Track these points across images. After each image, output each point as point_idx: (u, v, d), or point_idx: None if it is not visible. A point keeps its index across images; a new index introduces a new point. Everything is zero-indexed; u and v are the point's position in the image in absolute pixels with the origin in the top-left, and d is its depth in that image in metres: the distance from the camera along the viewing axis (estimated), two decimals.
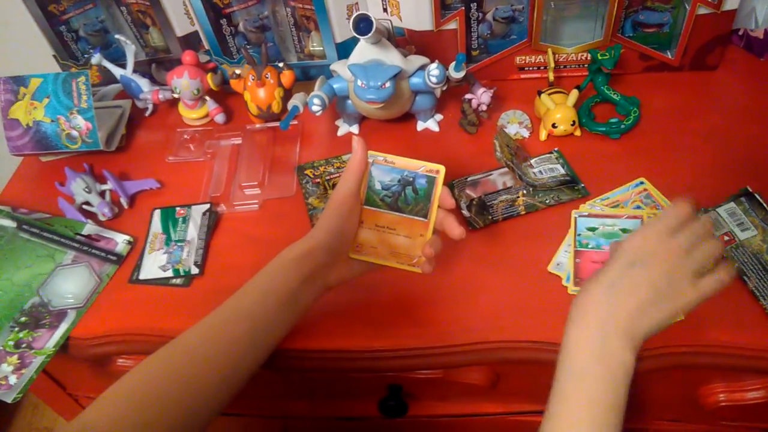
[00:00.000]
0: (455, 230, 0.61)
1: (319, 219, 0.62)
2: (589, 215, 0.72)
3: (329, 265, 0.62)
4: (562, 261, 0.70)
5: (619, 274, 0.54)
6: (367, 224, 0.63)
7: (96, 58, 0.94)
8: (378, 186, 0.63)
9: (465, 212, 0.76)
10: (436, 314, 0.68)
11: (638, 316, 0.53)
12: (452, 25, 0.88)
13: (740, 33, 0.93)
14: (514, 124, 0.87)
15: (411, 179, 0.62)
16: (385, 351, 0.66)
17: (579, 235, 0.71)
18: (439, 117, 0.90)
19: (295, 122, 0.91)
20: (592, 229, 0.71)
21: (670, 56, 0.90)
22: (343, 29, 0.91)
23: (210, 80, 0.91)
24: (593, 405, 0.51)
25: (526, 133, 0.86)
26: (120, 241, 0.78)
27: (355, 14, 0.74)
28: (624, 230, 0.70)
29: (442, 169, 0.61)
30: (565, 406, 0.52)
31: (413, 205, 0.62)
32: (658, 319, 0.53)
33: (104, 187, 0.83)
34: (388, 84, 0.77)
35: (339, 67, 0.84)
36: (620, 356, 0.52)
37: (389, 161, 0.62)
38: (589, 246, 0.70)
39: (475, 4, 0.86)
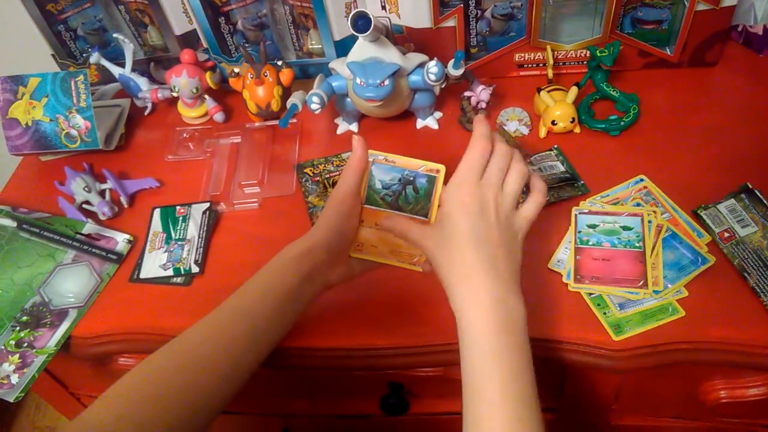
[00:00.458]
0: None
1: (319, 218, 0.62)
2: (590, 212, 0.72)
3: (329, 263, 0.62)
4: (563, 258, 0.70)
5: (472, 228, 0.56)
6: (367, 223, 0.63)
7: (94, 57, 0.94)
8: (378, 185, 0.63)
9: None
10: (436, 312, 0.68)
11: (508, 260, 0.56)
12: (451, 23, 0.88)
13: (739, 29, 0.93)
14: (513, 121, 0.87)
15: (411, 178, 0.62)
16: (385, 349, 0.67)
17: (579, 232, 0.71)
18: (438, 115, 0.90)
19: (294, 120, 0.90)
20: (593, 226, 0.71)
21: (669, 53, 0.90)
22: (341, 27, 0.91)
23: (209, 79, 0.91)
24: (517, 376, 0.51)
25: (525, 131, 0.86)
26: (120, 240, 0.78)
27: (353, 12, 0.74)
28: (625, 227, 0.70)
29: (442, 168, 0.61)
30: (489, 385, 0.51)
31: (414, 204, 0.62)
32: (517, 258, 0.57)
33: (104, 186, 0.83)
34: (386, 82, 0.77)
35: (338, 65, 0.84)
36: (517, 312, 0.54)
37: (390, 160, 0.62)
38: (590, 243, 0.70)
39: (473, 1, 0.86)
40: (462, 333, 0.54)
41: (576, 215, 0.72)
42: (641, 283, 0.66)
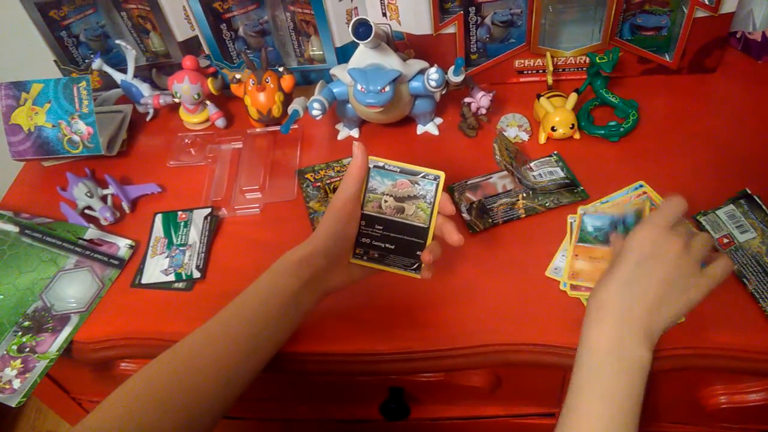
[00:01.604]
0: (454, 236, 0.61)
1: (319, 224, 0.63)
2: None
3: (329, 269, 0.62)
4: (560, 265, 0.70)
5: (631, 270, 0.55)
6: (582, 257, 0.64)
7: (97, 63, 0.95)
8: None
9: (465, 215, 0.77)
10: (436, 317, 0.68)
11: (654, 311, 0.54)
12: (451, 29, 0.88)
13: (738, 36, 0.94)
14: (513, 127, 0.87)
15: None
16: (386, 354, 0.67)
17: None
18: (438, 121, 0.90)
19: (296, 126, 0.91)
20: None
21: (668, 59, 0.90)
22: (342, 34, 0.92)
23: (210, 85, 0.91)
24: (610, 400, 0.52)
25: (525, 137, 0.86)
26: (122, 245, 0.79)
27: (354, 19, 0.75)
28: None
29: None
30: (582, 400, 0.53)
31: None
32: (672, 313, 0.55)
33: (106, 191, 0.84)
34: (387, 88, 0.77)
35: (339, 71, 0.84)
36: (637, 353, 0.53)
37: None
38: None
39: (473, 8, 0.87)
40: (577, 359, 0.55)
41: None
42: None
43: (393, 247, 0.63)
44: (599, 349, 0.54)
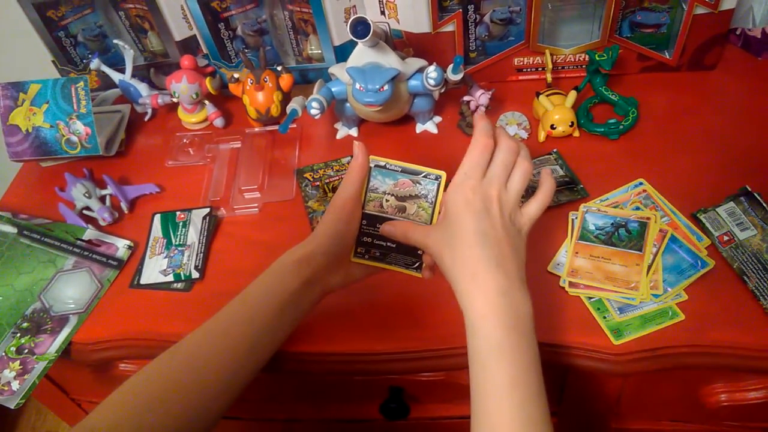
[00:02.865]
0: None
1: (320, 223, 0.62)
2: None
3: (329, 269, 0.62)
4: (562, 261, 0.70)
5: (476, 226, 0.55)
6: (582, 254, 0.64)
7: (95, 63, 0.95)
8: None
9: None
10: (437, 316, 0.68)
11: (513, 257, 0.55)
12: (450, 28, 0.88)
13: (738, 32, 0.94)
14: (512, 125, 0.87)
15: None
16: (386, 353, 0.67)
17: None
18: (437, 119, 0.90)
19: (294, 126, 0.91)
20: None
21: (667, 56, 0.90)
22: (341, 32, 0.91)
23: (209, 84, 0.91)
24: (524, 372, 0.51)
25: (524, 135, 0.86)
26: (120, 246, 0.78)
27: (352, 17, 0.74)
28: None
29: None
30: (486, 371, 0.51)
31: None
32: (522, 255, 0.57)
33: (104, 192, 0.84)
34: (386, 87, 0.77)
35: (337, 70, 0.84)
36: (525, 308, 0.53)
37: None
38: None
39: (472, 6, 0.86)
40: (470, 330, 0.53)
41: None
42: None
43: (394, 245, 0.63)
44: (492, 325, 0.52)
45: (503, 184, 0.57)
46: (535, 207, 0.59)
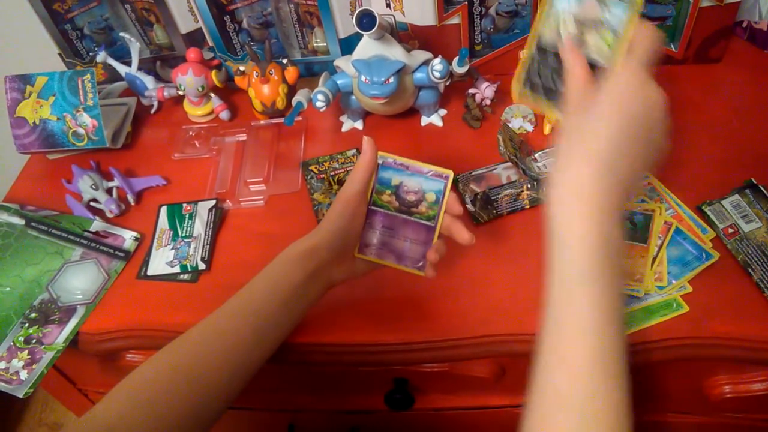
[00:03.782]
0: (465, 235, 0.60)
1: (325, 217, 0.63)
2: None
3: (333, 263, 0.62)
4: None
5: (616, 139, 0.46)
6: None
7: (101, 56, 0.95)
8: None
9: (470, 206, 0.77)
10: (441, 308, 0.68)
11: (633, 181, 0.48)
12: (455, 20, 0.88)
13: (744, 25, 0.93)
14: (517, 118, 0.87)
15: None
16: (391, 344, 0.67)
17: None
18: (442, 112, 0.90)
19: (300, 118, 0.91)
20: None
21: (673, 49, 0.90)
22: (346, 25, 0.92)
23: (214, 77, 0.91)
24: (605, 310, 0.46)
25: (529, 128, 0.86)
26: (127, 237, 0.79)
27: (358, 10, 0.74)
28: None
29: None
30: (571, 310, 0.46)
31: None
32: (641, 175, 0.49)
33: (111, 184, 0.84)
34: (391, 79, 0.77)
35: (342, 62, 0.84)
36: (619, 244, 0.47)
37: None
38: None
39: None
40: (557, 246, 0.48)
41: None
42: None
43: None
44: (585, 255, 0.46)
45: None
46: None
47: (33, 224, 0.79)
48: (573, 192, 0.47)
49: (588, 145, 0.47)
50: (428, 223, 0.62)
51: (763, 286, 0.65)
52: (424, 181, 0.62)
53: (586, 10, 0.51)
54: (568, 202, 0.47)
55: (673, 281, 0.66)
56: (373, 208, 0.63)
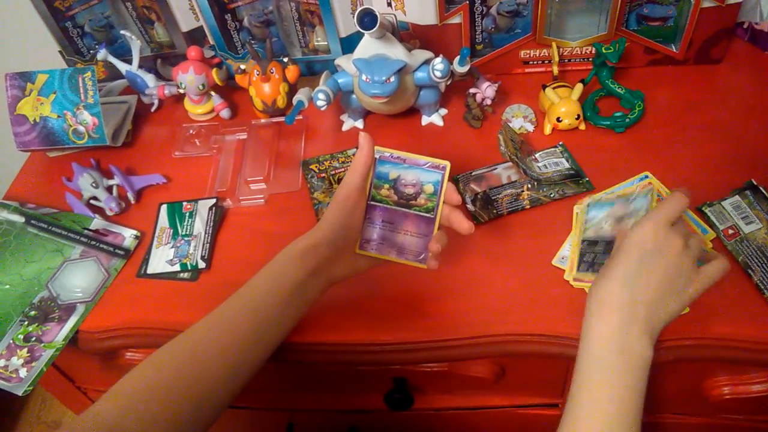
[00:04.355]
0: (464, 224, 0.61)
1: (324, 214, 0.63)
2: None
3: (333, 260, 0.62)
4: (567, 254, 0.70)
5: (634, 266, 0.56)
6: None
7: (102, 54, 0.95)
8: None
9: (470, 206, 0.77)
10: (441, 308, 0.68)
11: (655, 307, 0.55)
12: (456, 20, 0.88)
13: (745, 26, 0.93)
14: (518, 118, 0.87)
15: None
16: (390, 344, 0.67)
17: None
18: (443, 111, 0.90)
19: (300, 117, 0.91)
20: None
21: (674, 50, 0.90)
22: (347, 24, 0.91)
23: (215, 75, 0.91)
24: (616, 396, 0.53)
25: (530, 127, 0.86)
26: (127, 235, 0.79)
27: (359, 9, 0.74)
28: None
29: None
30: (589, 397, 0.53)
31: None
32: (672, 309, 0.56)
33: (111, 182, 0.84)
34: (392, 78, 0.77)
35: (343, 61, 0.84)
36: (640, 349, 0.54)
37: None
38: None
39: None
40: (580, 355, 0.56)
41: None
42: None
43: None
44: (603, 345, 0.54)
45: (686, 241, 0.57)
46: (714, 269, 0.58)
47: (33, 222, 0.79)
48: (600, 300, 0.57)
49: (611, 271, 0.57)
50: (428, 215, 0.62)
51: (763, 287, 0.65)
52: (422, 173, 0.62)
53: (617, 210, 0.65)
54: (596, 309, 0.57)
55: None
56: (372, 203, 0.63)
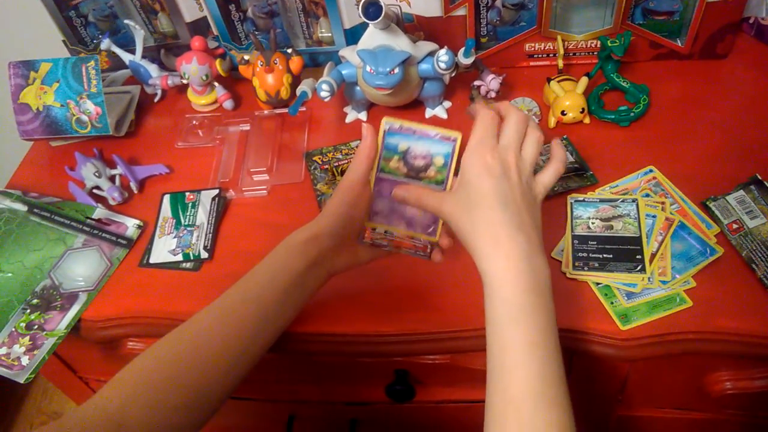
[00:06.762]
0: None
1: (326, 205, 0.62)
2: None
3: (335, 250, 0.62)
4: (564, 247, 0.70)
5: (497, 190, 0.54)
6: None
7: (105, 44, 0.95)
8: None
9: None
10: (442, 299, 0.68)
11: (534, 223, 0.54)
12: (461, 12, 0.87)
13: (751, 21, 0.93)
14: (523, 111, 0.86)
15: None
16: (392, 335, 0.67)
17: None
18: (447, 104, 0.90)
19: (304, 108, 0.91)
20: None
21: (680, 44, 0.89)
22: (351, 15, 0.91)
23: (219, 66, 0.91)
24: (543, 335, 0.51)
25: (535, 121, 0.85)
26: (130, 225, 0.79)
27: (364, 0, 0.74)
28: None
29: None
30: (515, 342, 0.50)
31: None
32: (538, 222, 0.56)
33: (114, 171, 0.84)
34: (396, 70, 0.77)
35: (348, 52, 0.84)
36: (544, 273, 0.53)
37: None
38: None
39: None
40: (489, 292, 0.52)
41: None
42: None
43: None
44: (514, 289, 0.51)
45: (518, 150, 0.56)
46: (549, 175, 0.58)
47: (35, 211, 0.79)
48: (489, 239, 0.54)
49: (482, 211, 0.54)
50: (438, 187, 0.60)
51: (766, 281, 0.65)
52: (432, 145, 0.60)
53: (601, 212, 0.69)
54: (487, 250, 0.54)
55: (677, 276, 0.66)
56: (381, 175, 0.62)
